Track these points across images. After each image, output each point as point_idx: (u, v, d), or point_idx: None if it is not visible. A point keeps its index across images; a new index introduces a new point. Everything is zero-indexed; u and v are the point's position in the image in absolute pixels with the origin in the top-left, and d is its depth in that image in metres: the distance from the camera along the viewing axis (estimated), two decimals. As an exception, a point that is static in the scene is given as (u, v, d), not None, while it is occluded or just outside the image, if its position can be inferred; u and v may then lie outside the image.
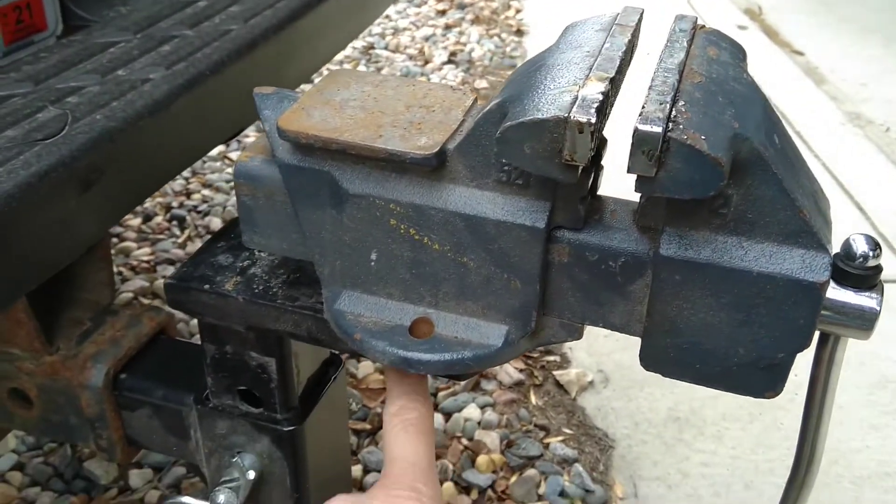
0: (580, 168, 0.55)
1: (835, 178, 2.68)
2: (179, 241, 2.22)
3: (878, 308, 0.59)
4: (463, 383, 1.83)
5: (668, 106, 0.53)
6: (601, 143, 0.63)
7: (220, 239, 0.82)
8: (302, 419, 0.84)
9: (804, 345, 0.60)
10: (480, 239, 0.64)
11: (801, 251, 0.58)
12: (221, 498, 0.80)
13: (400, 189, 0.65)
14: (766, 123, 0.58)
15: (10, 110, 0.82)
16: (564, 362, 1.94)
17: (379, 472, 1.61)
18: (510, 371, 1.88)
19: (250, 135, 2.53)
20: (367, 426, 1.72)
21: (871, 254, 0.58)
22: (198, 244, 2.20)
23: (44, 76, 0.90)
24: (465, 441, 1.70)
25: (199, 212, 2.34)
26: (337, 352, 0.92)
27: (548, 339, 0.69)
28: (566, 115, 0.53)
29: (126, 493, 1.55)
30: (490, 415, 1.76)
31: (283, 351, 0.80)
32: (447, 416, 1.76)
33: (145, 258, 2.13)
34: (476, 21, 3.80)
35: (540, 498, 1.60)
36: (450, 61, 3.40)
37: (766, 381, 0.63)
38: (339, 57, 3.14)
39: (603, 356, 1.94)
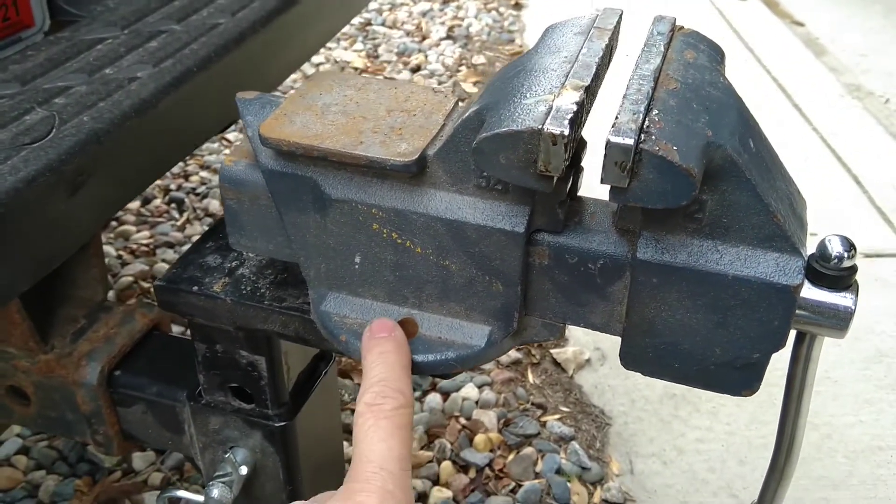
0: (555, 178, 0.56)
1: (833, 151, 2.67)
2: (178, 223, 2.23)
3: (852, 307, 0.60)
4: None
5: (640, 116, 0.54)
6: (579, 147, 0.64)
7: (208, 239, 0.83)
8: (293, 414, 0.85)
9: (779, 345, 0.61)
10: (462, 243, 0.65)
11: (775, 255, 0.59)
12: (215, 492, 0.82)
13: (381, 194, 0.65)
14: (740, 128, 0.59)
15: (-3, 113, 0.82)
16: (561, 341, 1.96)
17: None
18: (507, 350, 1.90)
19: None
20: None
21: (845, 255, 0.59)
22: (196, 226, 2.21)
23: (31, 76, 0.90)
24: (462, 420, 1.73)
25: (197, 194, 2.35)
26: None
27: (530, 338, 0.71)
28: (540, 126, 0.53)
29: (129, 476, 1.58)
30: (488, 394, 1.78)
31: (273, 349, 0.81)
32: (445, 395, 1.78)
33: (145, 241, 2.14)
34: (474, -6, 3.77)
35: (537, 475, 1.62)
36: (447, 37, 3.37)
37: (742, 380, 0.64)
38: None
39: (600, 335, 1.95)
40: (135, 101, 0.87)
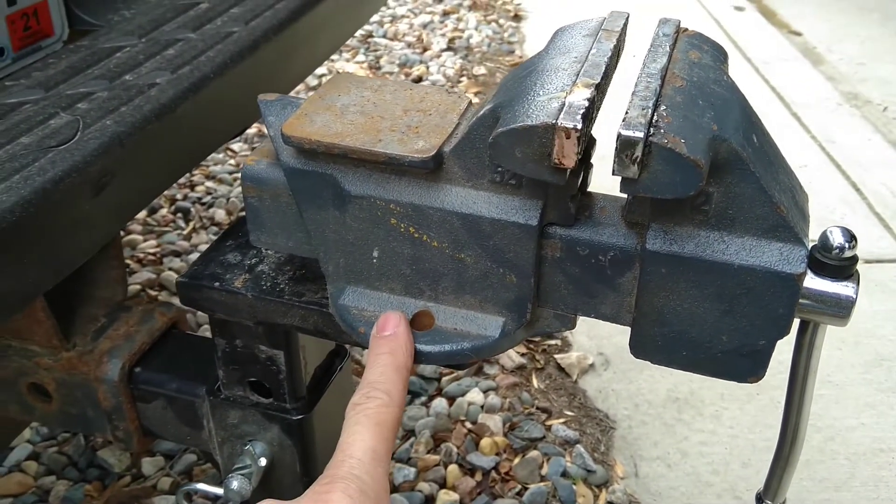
0: (568, 170, 0.58)
1: (832, 158, 2.70)
2: (185, 232, 2.25)
3: (854, 296, 0.62)
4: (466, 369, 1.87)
5: (649, 111, 0.56)
6: (590, 144, 0.66)
7: (228, 238, 0.85)
8: (310, 408, 0.87)
9: (783, 332, 0.64)
10: (477, 236, 0.67)
11: (779, 244, 0.61)
12: (234, 484, 0.84)
13: (399, 190, 0.68)
14: (744, 124, 0.61)
15: (23, 117, 0.85)
16: (565, 346, 1.98)
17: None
18: (512, 355, 1.92)
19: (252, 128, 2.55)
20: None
21: (846, 245, 0.61)
22: (203, 236, 2.24)
23: (53, 82, 0.93)
24: (468, 424, 1.75)
25: (203, 203, 2.37)
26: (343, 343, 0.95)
27: (542, 329, 0.73)
28: (554, 121, 0.56)
29: (139, 481, 1.60)
30: (493, 398, 1.80)
31: (291, 344, 0.84)
32: (451, 400, 1.80)
33: (151, 250, 2.17)
34: (474, 7, 3.82)
35: (542, 479, 1.64)
36: (448, 48, 3.41)
37: (749, 367, 0.66)
38: (338, 46, 3.15)
39: (603, 339, 1.98)
40: (155, 105, 0.90)
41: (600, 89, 0.60)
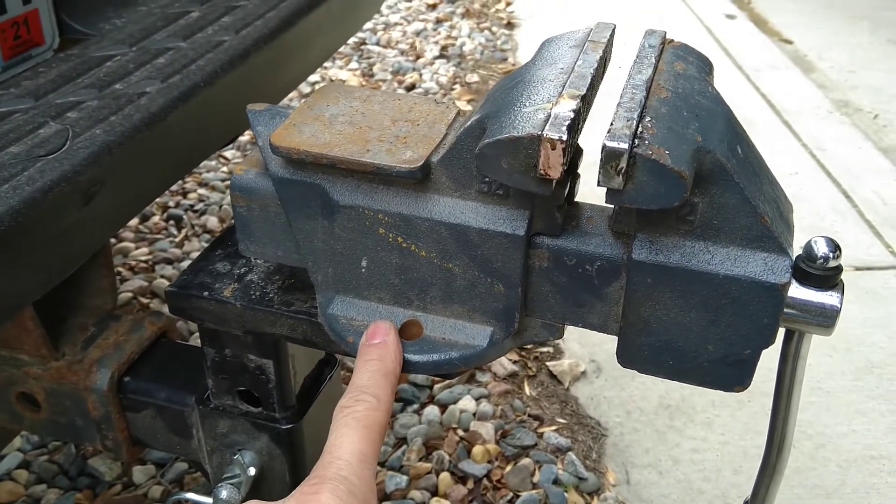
0: (554, 181, 0.59)
1: (822, 166, 2.71)
2: (177, 240, 2.25)
3: (838, 306, 0.63)
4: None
5: (634, 122, 0.57)
6: (577, 154, 0.67)
7: (217, 247, 0.85)
8: (299, 417, 0.88)
9: (769, 342, 0.64)
10: (464, 246, 0.68)
11: (764, 254, 0.61)
12: (224, 493, 0.84)
13: (387, 200, 0.68)
14: (729, 135, 0.62)
15: (12, 126, 0.85)
16: (557, 353, 1.98)
17: (379, 463, 1.65)
18: (504, 363, 1.92)
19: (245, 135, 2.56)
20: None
21: (831, 255, 0.62)
22: (195, 243, 2.24)
23: (43, 91, 0.93)
24: (460, 432, 1.75)
25: (195, 211, 2.37)
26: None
27: (530, 338, 0.73)
28: (539, 132, 0.57)
29: (130, 489, 1.59)
30: (485, 406, 1.80)
31: (280, 353, 0.84)
32: (443, 407, 1.80)
33: (143, 258, 2.17)
34: (467, 15, 3.83)
35: (534, 486, 1.64)
36: (441, 56, 3.42)
37: (734, 376, 0.67)
38: (331, 53, 3.16)
39: (595, 346, 1.99)
40: (144, 114, 0.90)
41: (586, 100, 0.61)
